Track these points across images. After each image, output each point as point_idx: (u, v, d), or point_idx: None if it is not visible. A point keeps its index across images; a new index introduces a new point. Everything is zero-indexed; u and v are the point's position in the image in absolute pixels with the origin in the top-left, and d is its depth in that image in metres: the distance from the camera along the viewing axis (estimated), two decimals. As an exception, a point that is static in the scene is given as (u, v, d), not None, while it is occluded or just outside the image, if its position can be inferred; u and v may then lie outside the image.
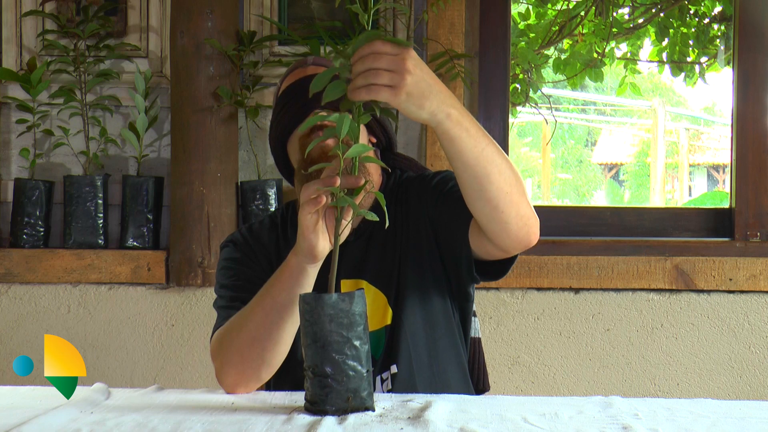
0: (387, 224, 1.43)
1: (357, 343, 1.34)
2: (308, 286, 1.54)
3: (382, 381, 1.69)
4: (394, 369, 1.69)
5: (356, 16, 1.35)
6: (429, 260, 1.73)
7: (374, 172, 1.78)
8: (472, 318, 1.84)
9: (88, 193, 2.72)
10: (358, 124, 1.37)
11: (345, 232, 1.41)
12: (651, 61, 4.47)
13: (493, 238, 1.57)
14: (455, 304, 1.77)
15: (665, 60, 4.33)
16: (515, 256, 1.66)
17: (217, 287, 1.79)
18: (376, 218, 1.38)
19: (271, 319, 1.56)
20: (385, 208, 1.40)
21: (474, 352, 1.86)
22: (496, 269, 1.68)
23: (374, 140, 1.80)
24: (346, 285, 1.73)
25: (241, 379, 1.59)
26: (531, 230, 1.56)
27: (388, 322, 1.71)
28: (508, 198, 1.51)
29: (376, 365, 1.70)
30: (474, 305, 1.84)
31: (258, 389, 1.65)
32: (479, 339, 1.89)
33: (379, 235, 1.75)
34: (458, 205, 1.61)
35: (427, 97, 1.39)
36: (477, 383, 1.84)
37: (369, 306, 1.68)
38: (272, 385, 1.75)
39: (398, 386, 1.68)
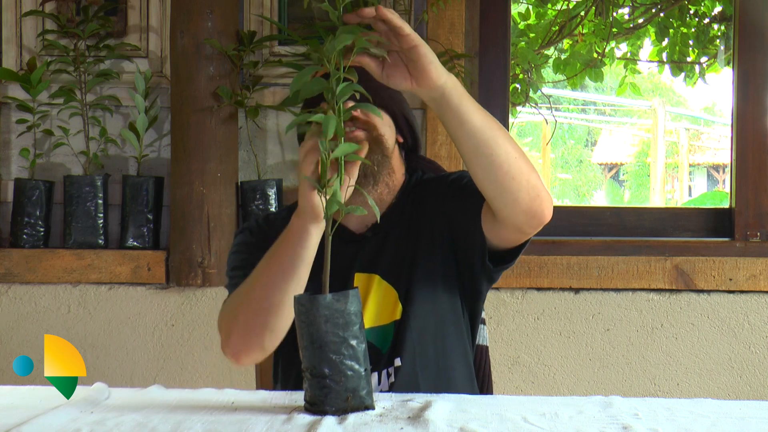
0: (378, 219, 1.43)
1: (354, 342, 1.34)
2: (312, 247, 1.54)
3: (388, 375, 1.70)
4: (397, 362, 1.70)
5: None
6: (441, 258, 1.75)
7: (397, 170, 1.80)
8: (482, 326, 1.86)
9: (88, 193, 2.72)
10: (341, 120, 1.36)
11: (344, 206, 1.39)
12: (651, 61, 4.47)
13: (504, 213, 1.58)
14: (465, 304, 1.78)
15: (665, 60, 4.33)
16: (524, 244, 1.67)
17: (228, 270, 1.80)
18: (365, 212, 1.38)
19: (274, 282, 1.56)
20: (375, 207, 1.39)
21: (480, 359, 1.88)
22: (510, 255, 1.70)
23: (401, 140, 1.82)
24: (359, 278, 1.74)
25: (244, 346, 1.59)
26: (543, 204, 1.57)
27: (398, 317, 1.73)
28: (518, 163, 1.52)
29: (383, 359, 1.71)
30: (484, 313, 1.86)
31: (260, 388, 1.65)
32: (487, 347, 1.90)
33: (395, 231, 1.77)
34: (472, 196, 1.63)
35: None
36: (481, 391, 1.85)
37: (380, 301, 1.71)
38: (279, 378, 1.77)
39: (400, 380, 1.68)
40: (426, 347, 1.71)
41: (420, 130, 1.87)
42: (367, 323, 1.71)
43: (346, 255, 1.75)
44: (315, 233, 1.53)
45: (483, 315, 1.88)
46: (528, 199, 1.55)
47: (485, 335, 1.90)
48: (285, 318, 1.58)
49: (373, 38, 1.39)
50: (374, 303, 1.73)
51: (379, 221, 1.46)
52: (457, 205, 1.71)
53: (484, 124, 1.50)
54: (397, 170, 1.79)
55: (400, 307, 1.73)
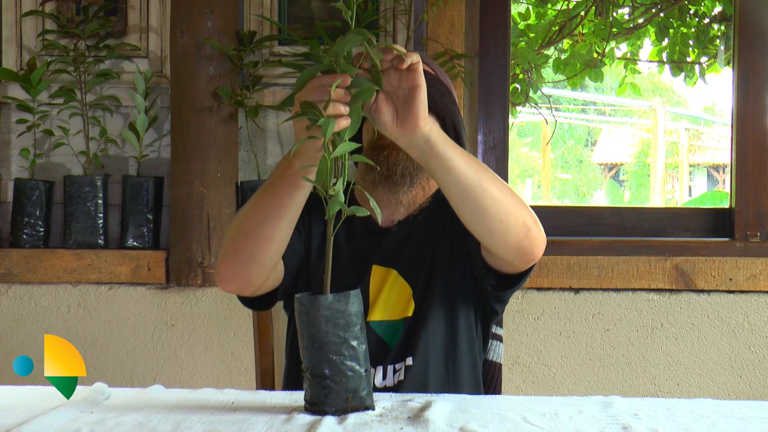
0: (380, 217, 1.43)
1: (354, 343, 1.34)
2: (307, 190, 1.54)
3: (395, 371, 1.71)
4: (409, 361, 1.71)
5: (356, 17, 1.35)
6: (458, 267, 1.76)
7: None
8: (499, 343, 1.87)
9: (88, 193, 2.72)
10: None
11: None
12: (651, 61, 4.47)
13: (495, 251, 1.60)
14: (479, 314, 1.79)
15: (665, 60, 4.33)
16: (527, 272, 1.67)
17: None
18: (366, 213, 1.38)
19: (267, 216, 1.57)
20: (377, 209, 1.39)
21: (492, 376, 1.89)
22: (515, 279, 1.70)
23: None
24: (376, 271, 1.76)
25: (231, 274, 1.62)
26: (533, 242, 1.58)
27: (409, 314, 1.74)
28: (504, 206, 1.53)
29: (390, 354, 1.72)
30: (503, 330, 1.87)
31: (260, 388, 1.65)
32: (500, 365, 1.91)
33: (419, 232, 1.78)
34: None
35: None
36: None
37: (394, 296, 1.73)
38: (285, 378, 1.77)
39: (410, 379, 1.70)
40: (437, 350, 1.73)
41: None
42: (378, 316, 1.73)
43: (367, 246, 1.77)
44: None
45: (501, 332, 1.89)
46: (517, 239, 1.55)
47: (500, 353, 1.91)
48: (272, 252, 1.60)
49: (382, 44, 1.39)
50: (388, 297, 1.74)
51: (380, 217, 1.45)
52: None
53: (469, 169, 1.50)
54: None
55: (413, 305, 1.74)
